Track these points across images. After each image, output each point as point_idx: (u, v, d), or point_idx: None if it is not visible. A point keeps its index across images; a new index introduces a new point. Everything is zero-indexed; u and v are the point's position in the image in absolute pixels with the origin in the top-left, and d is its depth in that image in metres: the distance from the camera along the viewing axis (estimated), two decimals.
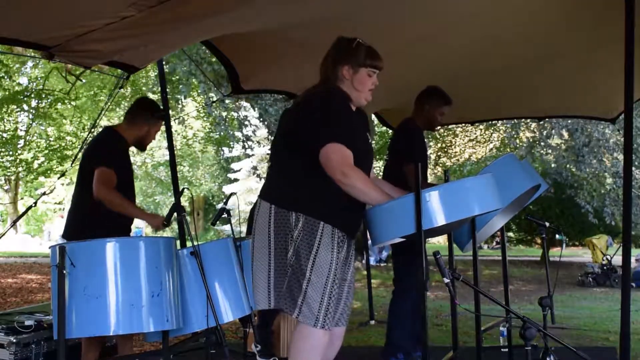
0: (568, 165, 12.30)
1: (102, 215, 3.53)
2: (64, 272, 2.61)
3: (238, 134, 11.22)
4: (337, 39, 2.83)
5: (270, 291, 2.72)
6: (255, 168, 11.22)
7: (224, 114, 10.69)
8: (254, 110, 10.44)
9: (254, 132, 10.96)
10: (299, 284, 2.65)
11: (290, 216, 2.66)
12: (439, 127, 4.85)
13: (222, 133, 11.82)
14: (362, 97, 2.81)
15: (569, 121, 10.60)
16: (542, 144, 12.21)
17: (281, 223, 2.68)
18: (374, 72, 2.79)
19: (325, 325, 2.65)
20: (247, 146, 11.06)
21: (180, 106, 11.61)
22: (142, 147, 3.96)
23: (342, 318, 2.84)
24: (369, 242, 3.02)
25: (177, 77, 10.02)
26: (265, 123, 10.26)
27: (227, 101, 10.01)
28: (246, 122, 10.61)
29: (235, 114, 10.92)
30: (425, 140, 4.41)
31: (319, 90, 2.77)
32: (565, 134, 11.55)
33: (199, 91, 10.70)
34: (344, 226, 2.72)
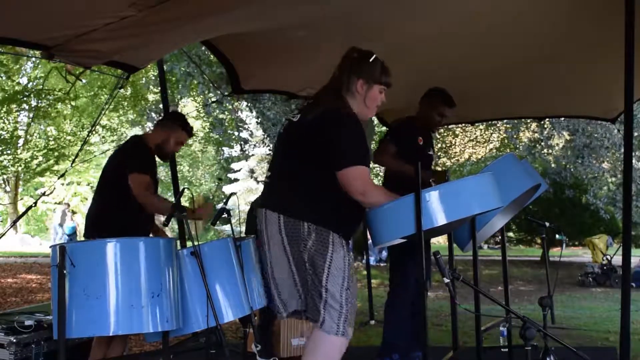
0: (568, 166, 12.29)
1: (129, 217, 3.65)
2: (64, 272, 2.61)
3: (236, 134, 11.24)
4: (351, 50, 2.80)
5: (300, 295, 2.81)
6: (252, 171, 11.18)
7: (222, 116, 10.70)
8: (251, 112, 10.45)
9: (251, 135, 10.97)
10: (320, 294, 2.69)
11: (302, 226, 2.67)
12: (439, 128, 4.86)
13: (221, 134, 11.82)
14: (368, 113, 2.82)
15: (571, 121, 10.59)
16: (542, 144, 12.20)
17: (293, 233, 2.69)
18: (384, 89, 2.80)
19: (345, 332, 2.69)
20: (244, 149, 11.08)
21: (178, 106, 11.61)
22: (163, 156, 3.99)
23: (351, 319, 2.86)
24: (369, 242, 3.01)
25: (176, 77, 10.03)
26: (263, 126, 10.26)
27: (225, 103, 10.02)
28: (244, 125, 10.61)
29: (233, 115, 10.92)
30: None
31: (335, 108, 2.71)
32: (566, 134, 11.54)
33: (198, 91, 10.71)
34: (348, 233, 2.77)
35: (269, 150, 13.16)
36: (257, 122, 10.48)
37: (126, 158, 3.82)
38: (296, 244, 2.69)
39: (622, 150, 10.88)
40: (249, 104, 9.84)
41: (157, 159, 3.99)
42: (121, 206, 3.68)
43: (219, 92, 8.82)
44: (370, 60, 2.75)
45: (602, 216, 12.78)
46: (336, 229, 2.69)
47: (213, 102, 10.01)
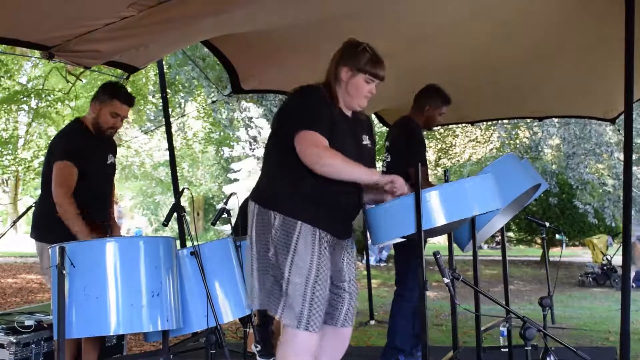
0: (568, 166, 12.27)
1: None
2: (64, 272, 2.61)
3: (241, 134, 11.23)
4: (346, 40, 2.78)
5: (254, 290, 2.68)
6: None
7: (225, 114, 10.69)
8: (258, 109, 10.45)
9: (259, 132, 10.95)
10: (279, 285, 2.60)
11: (270, 215, 2.62)
12: (437, 127, 4.85)
13: (222, 133, 11.81)
14: (354, 103, 2.74)
15: (570, 124, 10.58)
16: (542, 145, 12.18)
17: (262, 222, 2.64)
18: (372, 80, 2.71)
19: (310, 327, 2.58)
20: (253, 147, 11.06)
21: (180, 109, 11.62)
22: (102, 132, 3.57)
23: (347, 319, 2.80)
24: (369, 242, 3.01)
25: (180, 82, 10.01)
26: (270, 124, 10.28)
27: (232, 104, 10.03)
28: (251, 124, 10.59)
29: (237, 115, 10.92)
30: (425, 140, 4.39)
31: (295, 89, 2.76)
32: (560, 139, 11.52)
33: (200, 92, 10.71)
34: (327, 226, 2.65)
35: None
36: (266, 120, 10.48)
37: (54, 144, 3.56)
38: (264, 234, 2.63)
39: (616, 154, 10.88)
40: (255, 103, 9.86)
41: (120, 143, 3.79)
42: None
43: (221, 93, 8.84)
44: (359, 49, 2.71)
45: (591, 220, 12.68)
46: (307, 219, 2.60)
47: (214, 101, 10.02)
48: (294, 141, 2.57)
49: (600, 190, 12.47)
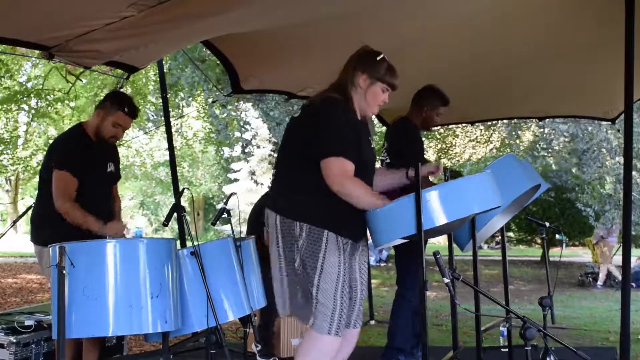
0: (568, 164, 12.25)
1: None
2: (64, 272, 2.61)
3: (238, 134, 11.22)
4: (361, 48, 2.84)
5: (286, 299, 2.80)
6: (253, 173, 11.03)
7: (223, 115, 10.68)
8: (255, 111, 10.43)
9: (254, 136, 10.94)
10: (310, 293, 2.69)
11: (295, 226, 2.69)
12: (437, 127, 4.85)
13: (220, 134, 11.80)
14: (369, 110, 2.82)
15: (570, 124, 10.57)
16: (544, 145, 12.16)
17: (287, 233, 2.71)
18: (387, 89, 2.80)
19: (339, 332, 2.68)
20: (247, 151, 11.06)
21: (180, 111, 11.61)
22: (102, 141, 3.62)
23: (358, 320, 2.88)
24: (369, 242, 3.02)
25: (180, 85, 9.99)
26: (267, 126, 10.26)
27: (229, 107, 10.01)
28: (246, 127, 10.58)
29: (234, 114, 10.90)
30: (426, 140, 4.40)
31: (321, 100, 2.77)
32: (566, 138, 11.50)
33: (200, 93, 10.69)
34: (347, 233, 2.74)
35: (271, 150, 13.09)
36: (262, 120, 10.46)
37: (54, 149, 3.57)
38: (289, 244, 2.71)
39: (617, 158, 10.86)
40: (253, 105, 9.84)
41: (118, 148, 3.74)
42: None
43: (220, 93, 8.83)
44: (378, 58, 2.77)
45: (592, 223, 12.67)
46: (332, 227, 2.68)
47: (214, 101, 10.01)
48: (320, 161, 2.64)
49: (603, 192, 12.45)
